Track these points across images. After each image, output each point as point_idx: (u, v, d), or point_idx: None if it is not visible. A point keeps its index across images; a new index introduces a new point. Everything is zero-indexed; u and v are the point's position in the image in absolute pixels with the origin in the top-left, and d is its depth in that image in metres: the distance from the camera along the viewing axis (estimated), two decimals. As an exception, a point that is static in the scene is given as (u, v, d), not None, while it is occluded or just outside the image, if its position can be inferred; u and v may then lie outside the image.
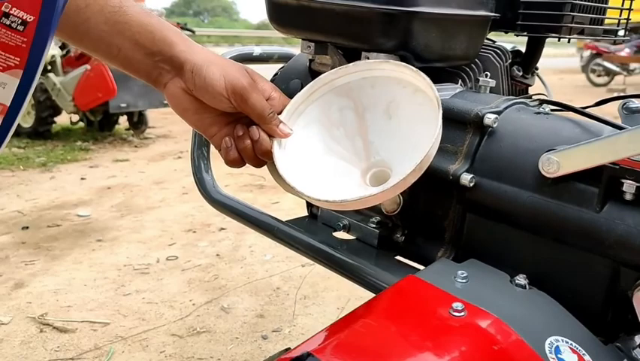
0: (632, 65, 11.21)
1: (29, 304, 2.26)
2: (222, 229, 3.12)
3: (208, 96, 0.66)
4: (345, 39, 0.81)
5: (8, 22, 0.40)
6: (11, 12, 0.40)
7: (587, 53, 11.57)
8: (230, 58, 0.94)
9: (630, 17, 0.99)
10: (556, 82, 11.01)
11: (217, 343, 2.04)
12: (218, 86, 0.65)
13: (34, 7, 0.41)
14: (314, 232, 0.91)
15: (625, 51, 10.69)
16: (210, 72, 0.64)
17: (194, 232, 3.12)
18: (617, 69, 10.96)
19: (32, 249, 2.82)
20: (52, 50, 5.27)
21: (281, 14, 0.87)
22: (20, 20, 0.40)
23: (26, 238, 2.95)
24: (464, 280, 0.65)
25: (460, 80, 0.88)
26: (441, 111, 0.67)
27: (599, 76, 11.29)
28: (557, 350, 0.57)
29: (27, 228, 3.10)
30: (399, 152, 0.74)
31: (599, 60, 11.09)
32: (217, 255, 2.80)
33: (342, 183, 0.75)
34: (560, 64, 14.25)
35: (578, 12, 0.89)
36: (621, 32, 1.01)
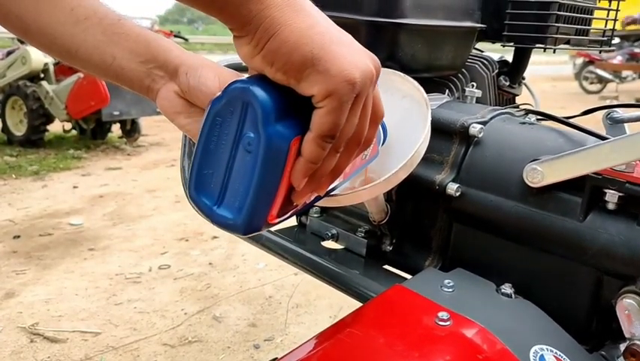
0: (625, 73, 11.28)
1: (20, 314, 2.25)
2: (215, 237, 3.11)
3: (202, 97, 0.66)
4: (333, 50, 0.81)
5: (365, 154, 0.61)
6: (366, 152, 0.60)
7: (579, 61, 11.65)
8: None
9: (615, 28, 1.01)
10: (549, 89, 11.07)
11: (209, 352, 2.03)
12: (212, 86, 0.65)
13: (374, 152, 0.62)
14: (302, 242, 0.91)
15: (617, 59, 10.77)
16: (205, 72, 0.65)
17: (187, 240, 3.11)
18: (610, 77, 11.03)
19: (23, 258, 2.81)
20: (45, 58, 5.27)
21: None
22: (367, 155, 0.62)
23: (17, 247, 2.94)
24: (450, 290, 0.65)
25: (447, 91, 0.89)
26: (430, 110, 0.68)
27: (591, 83, 11.36)
28: (542, 359, 0.57)
29: (18, 237, 3.08)
30: (387, 157, 0.75)
31: (591, 68, 11.16)
32: (209, 263, 2.79)
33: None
34: (553, 71, 14.34)
35: (563, 23, 0.90)
36: (607, 43, 1.02)
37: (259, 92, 0.42)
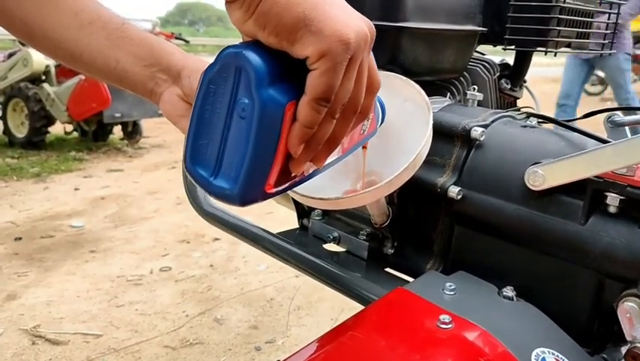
0: (625, 75, 11.27)
1: (22, 316, 2.25)
2: (216, 239, 3.11)
3: None
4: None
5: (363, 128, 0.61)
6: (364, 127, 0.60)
7: (580, 63, 11.63)
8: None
9: (616, 31, 1.01)
10: (551, 91, 11.05)
11: (210, 354, 2.03)
12: None
13: (372, 128, 0.62)
14: (304, 245, 0.91)
15: (618, 61, 10.75)
16: None
17: (188, 242, 3.11)
18: (610, 79, 11.01)
19: (25, 260, 2.81)
20: (47, 60, 5.28)
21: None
22: (365, 129, 0.61)
23: (19, 249, 2.94)
24: (452, 293, 0.65)
25: (448, 94, 0.89)
26: (432, 114, 0.68)
27: (592, 85, 11.34)
28: (543, 362, 0.57)
29: (20, 239, 3.08)
30: (389, 161, 0.75)
31: (592, 70, 11.15)
32: (211, 265, 2.79)
33: (333, 191, 0.76)
34: (554, 73, 14.32)
35: (565, 26, 0.90)
36: (607, 46, 1.02)
37: (252, 55, 0.41)
